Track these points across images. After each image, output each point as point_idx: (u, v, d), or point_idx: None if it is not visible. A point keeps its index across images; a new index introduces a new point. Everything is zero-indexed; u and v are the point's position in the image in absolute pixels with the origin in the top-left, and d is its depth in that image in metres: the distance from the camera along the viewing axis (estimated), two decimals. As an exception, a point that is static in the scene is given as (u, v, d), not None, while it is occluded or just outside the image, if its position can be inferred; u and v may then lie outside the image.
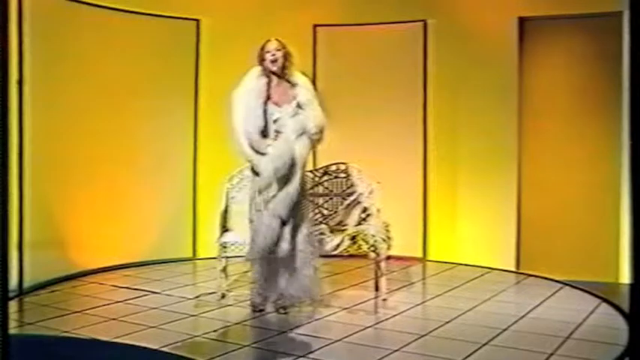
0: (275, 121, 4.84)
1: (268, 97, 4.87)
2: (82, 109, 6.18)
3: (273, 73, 4.89)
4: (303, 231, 4.84)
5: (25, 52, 5.52)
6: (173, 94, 6.86)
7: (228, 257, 5.37)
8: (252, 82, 4.91)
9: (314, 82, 6.72)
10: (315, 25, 7.24)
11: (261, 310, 4.98)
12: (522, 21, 6.61)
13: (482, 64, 6.72)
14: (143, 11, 6.56)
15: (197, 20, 6.96)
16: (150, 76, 6.70)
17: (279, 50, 4.87)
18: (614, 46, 6.07)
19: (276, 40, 4.92)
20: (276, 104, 4.86)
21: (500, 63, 6.65)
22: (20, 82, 5.45)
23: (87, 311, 5.00)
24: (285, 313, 4.92)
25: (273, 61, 4.86)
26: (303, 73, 5.07)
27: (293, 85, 4.91)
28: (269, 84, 4.90)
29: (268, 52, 4.86)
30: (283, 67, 4.89)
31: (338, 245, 5.21)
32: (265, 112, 4.84)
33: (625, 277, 5.83)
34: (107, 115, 6.38)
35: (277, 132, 4.84)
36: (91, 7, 6.16)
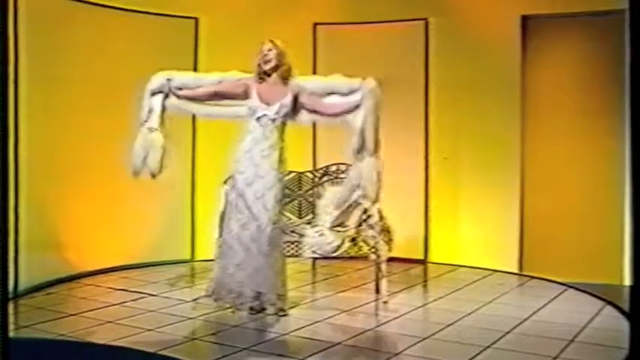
0: (259, 119, 4.92)
1: (251, 93, 4.99)
2: (79, 108, 6.18)
3: (265, 72, 4.97)
4: (276, 235, 4.88)
5: (21, 52, 5.50)
6: (171, 93, 6.83)
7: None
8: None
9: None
10: (316, 24, 7.25)
11: (259, 312, 4.97)
12: (525, 19, 6.61)
13: (485, 63, 6.73)
14: (141, 9, 6.55)
15: (196, 19, 6.96)
16: (147, 76, 6.64)
17: (270, 50, 4.98)
18: (617, 45, 6.06)
19: (270, 40, 5.01)
20: (263, 101, 4.94)
21: (502, 62, 6.66)
22: (15, 82, 5.44)
23: (83, 314, 4.99)
24: (284, 315, 4.91)
25: (266, 62, 4.97)
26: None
27: (289, 86, 5.00)
28: (260, 84, 5.00)
29: (261, 52, 4.99)
30: (276, 67, 4.97)
31: (338, 247, 5.20)
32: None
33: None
34: (104, 115, 6.36)
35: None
36: (87, 6, 6.15)
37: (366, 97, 4.90)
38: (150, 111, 5.13)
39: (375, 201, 5.04)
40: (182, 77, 5.20)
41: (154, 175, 5.19)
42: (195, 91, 5.15)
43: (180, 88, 5.15)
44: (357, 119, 4.91)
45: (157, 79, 5.16)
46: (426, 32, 6.98)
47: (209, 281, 5.15)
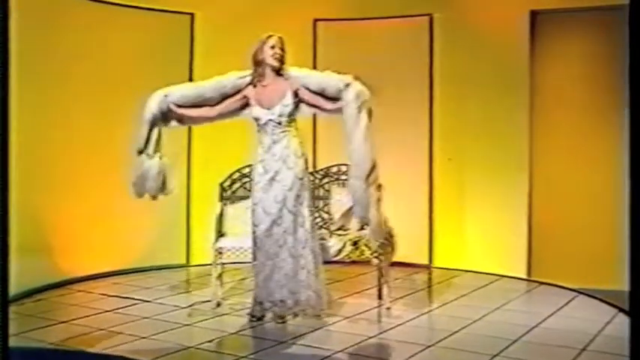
0: (265, 125, 4.86)
1: (251, 100, 4.92)
2: (70, 108, 6.19)
3: (272, 68, 4.88)
4: (305, 236, 4.83)
5: (10, 49, 5.49)
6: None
7: (223, 264, 5.38)
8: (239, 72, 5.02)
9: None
10: (316, 20, 7.25)
11: (259, 319, 4.96)
12: (534, 14, 6.61)
13: (492, 60, 6.72)
14: (133, 4, 6.55)
15: (191, 14, 6.96)
16: (141, 74, 6.67)
17: (282, 49, 4.90)
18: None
19: (277, 35, 4.92)
20: (265, 107, 4.87)
21: (510, 59, 6.65)
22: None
23: (74, 321, 4.98)
24: (283, 323, 4.90)
25: (278, 59, 4.88)
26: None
27: (285, 79, 4.92)
28: (254, 85, 4.94)
29: (273, 47, 4.88)
30: (280, 67, 4.91)
31: (339, 251, 5.21)
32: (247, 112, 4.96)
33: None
34: (96, 115, 6.38)
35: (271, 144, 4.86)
36: (78, 1, 6.14)
37: (348, 105, 4.67)
38: (147, 140, 5.02)
39: (378, 238, 4.87)
40: (180, 92, 5.08)
41: (154, 198, 5.13)
42: (195, 115, 5.10)
43: (179, 105, 5.03)
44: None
45: (154, 102, 5.01)
46: (431, 28, 6.98)
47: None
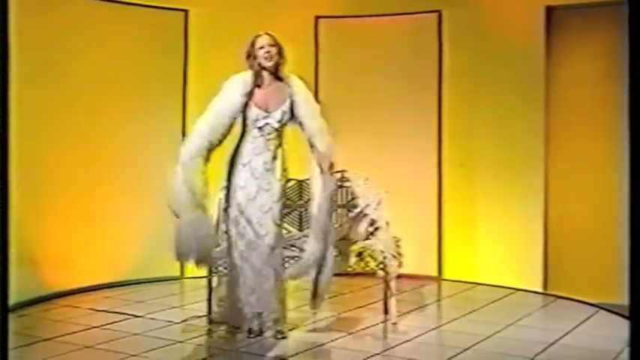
0: (260, 128, 4.79)
1: (250, 100, 4.82)
2: (59, 110, 6.15)
3: (266, 69, 4.83)
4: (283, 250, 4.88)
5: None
6: (158, 93, 6.83)
7: (219, 276, 5.27)
8: (239, 83, 4.85)
9: (316, 81, 6.73)
10: (317, 17, 7.22)
11: (258, 335, 4.89)
12: (550, 10, 6.57)
13: (505, 60, 6.68)
14: (127, 1, 6.52)
15: (185, 11, 6.92)
16: (133, 74, 6.68)
17: (272, 46, 4.84)
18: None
19: (268, 34, 4.87)
20: (263, 109, 4.80)
21: (524, 58, 6.61)
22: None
23: (59, 338, 4.91)
24: (282, 338, 4.85)
25: (268, 58, 4.81)
26: (300, 78, 5.01)
27: (286, 85, 4.87)
28: (258, 86, 4.85)
29: (261, 47, 4.83)
30: (277, 65, 4.85)
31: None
32: (244, 119, 4.83)
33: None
34: (86, 117, 6.34)
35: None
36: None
37: (316, 171, 4.80)
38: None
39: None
40: (218, 134, 4.79)
41: (200, 263, 4.84)
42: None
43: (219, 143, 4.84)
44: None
45: (204, 150, 4.74)
46: (439, 26, 6.94)
47: (218, 306, 5.13)
